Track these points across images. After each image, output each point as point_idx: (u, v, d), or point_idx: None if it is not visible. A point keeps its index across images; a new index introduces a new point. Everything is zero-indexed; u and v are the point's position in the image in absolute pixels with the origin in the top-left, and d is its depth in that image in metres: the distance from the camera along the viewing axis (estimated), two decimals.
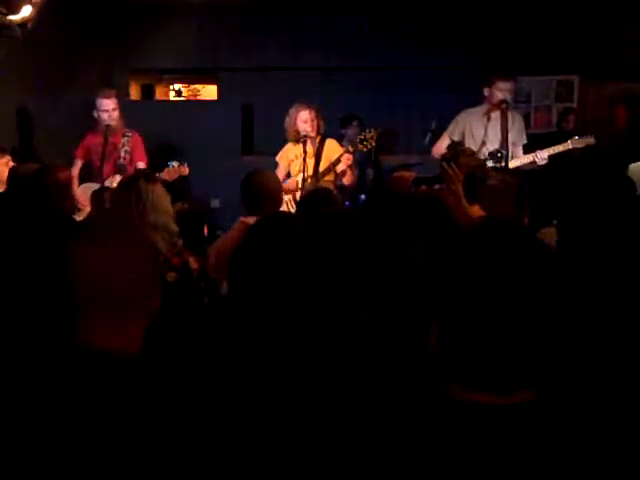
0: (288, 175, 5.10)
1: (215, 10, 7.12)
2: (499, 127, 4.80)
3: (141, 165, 5.25)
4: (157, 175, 4.35)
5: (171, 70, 8.05)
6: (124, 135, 5.26)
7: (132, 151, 5.27)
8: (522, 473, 2.19)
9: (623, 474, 2.46)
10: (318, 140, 4.98)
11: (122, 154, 5.22)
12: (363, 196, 5.60)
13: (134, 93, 7.78)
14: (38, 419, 1.63)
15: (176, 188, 4.69)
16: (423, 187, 3.84)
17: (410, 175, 4.55)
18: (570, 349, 2.56)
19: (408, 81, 7.25)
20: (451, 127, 5.05)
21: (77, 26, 6.64)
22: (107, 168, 5.17)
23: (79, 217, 4.64)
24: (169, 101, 8.84)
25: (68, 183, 3.67)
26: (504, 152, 4.66)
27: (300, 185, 4.83)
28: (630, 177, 3.17)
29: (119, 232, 1.71)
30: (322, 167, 4.93)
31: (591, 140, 4.81)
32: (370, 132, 4.84)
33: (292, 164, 5.06)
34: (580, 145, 4.81)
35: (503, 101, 4.77)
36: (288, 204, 4.97)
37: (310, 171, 4.85)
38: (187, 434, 1.87)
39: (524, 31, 6.85)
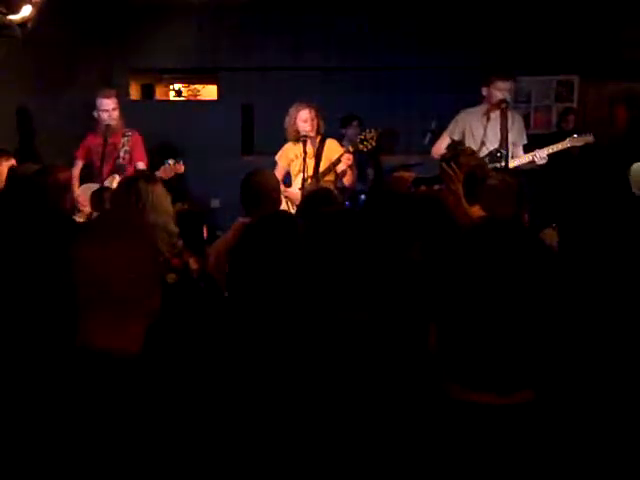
0: (288, 175, 5.10)
1: (215, 10, 7.12)
2: (499, 127, 4.79)
3: (141, 165, 5.24)
4: (155, 174, 4.36)
5: (171, 70, 8.05)
6: (124, 135, 5.25)
7: (132, 151, 5.26)
8: (522, 473, 2.19)
9: (623, 474, 2.46)
10: (318, 140, 4.98)
11: (122, 154, 5.21)
12: (363, 196, 5.60)
13: (134, 93, 7.78)
14: (38, 419, 1.63)
15: (176, 188, 4.70)
16: (423, 187, 3.84)
17: (410, 175, 4.54)
18: (570, 349, 2.56)
19: (408, 81, 7.25)
20: (451, 127, 5.05)
21: (77, 26, 6.63)
22: (107, 168, 5.17)
23: (79, 218, 4.64)
24: (169, 101, 8.85)
25: (68, 183, 3.67)
26: (504, 152, 4.65)
27: (300, 187, 4.83)
28: (627, 177, 3.17)
29: (119, 232, 1.71)
30: (322, 167, 4.92)
31: (590, 138, 4.81)
32: (370, 132, 4.83)
33: (292, 164, 5.05)
34: (579, 143, 4.80)
35: (503, 101, 4.77)
36: (288, 203, 4.96)
37: (310, 171, 4.84)
38: (187, 434, 1.87)
39: (524, 31, 6.86)
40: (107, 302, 1.59)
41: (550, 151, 4.75)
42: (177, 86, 9.17)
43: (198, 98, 9.23)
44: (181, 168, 4.84)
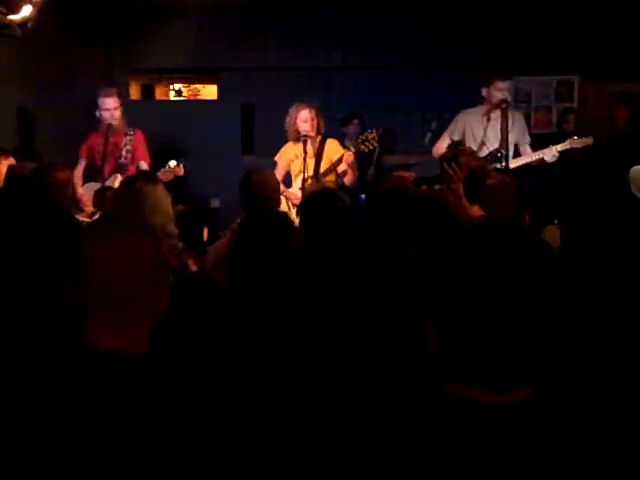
0: (288, 175, 5.10)
1: (215, 10, 7.11)
2: (499, 127, 4.79)
3: (143, 164, 5.22)
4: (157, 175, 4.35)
5: (171, 70, 8.04)
6: (126, 134, 5.23)
7: (134, 150, 5.23)
8: (520, 470, 2.19)
9: (622, 473, 2.46)
10: (319, 140, 4.97)
11: (123, 153, 5.19)
12: (363, 196, 5.60)
13: (134, 93, 7.78)
14: (44, 418, 1.63)
15: (176, 189, 4.69)
16: (424, 187, 3.84)
17: (410, 175, 4.55)
18: (569, 347, 2.56)
19: (408, 81, 7.24)
20: (451, 127, 5.05)
21: (77, 26, 6.63)
22: (109, 167, 5.16)
23: (82, 217, 4.63)
24: (169, 101, 8.84)
25: (67, 182, 3.66)
26: (504, 152, 4.65)
27: (300, 187, 4.82)
28: (627, 178, 3.17)
29: (120, 232, 1.70)
30: (323, 167, 4.92)
31: (589, 140, 4.81)
32: (372, 133, 4.83)
33: (292, 164, 5.05)
34: (578, 145, 4.80)
35: (503, 101, 4.76)
36: (288, 204, 4.96)
37: (310, 171, 4.84)
38: (191, 433, 1.87)
39: (524, 31, 6.86)
40: (109, 302, 1.59)
41: (559, 149, 4.74)
42: (177, 86, 9.17)
43: (198, 98, 9.22)
44: (181, 171, 4.83)
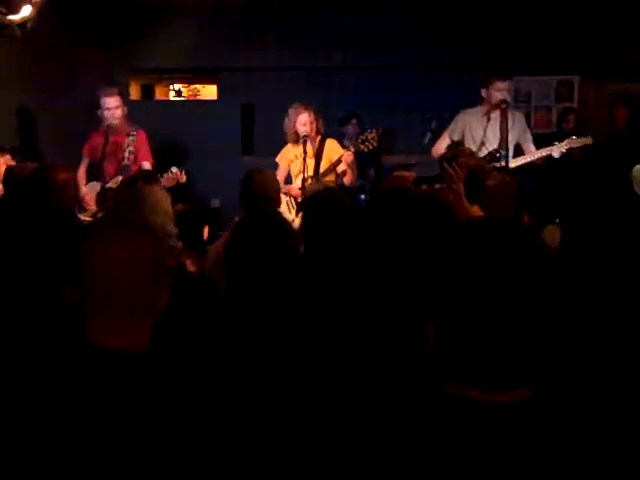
0: (288, 176, 5.10)
1: (215, 10, 7.11)
2: (499, 127, 4.80)
3: (146, 165, 5.17)
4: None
5: (171, 70, 8.04)
6: (129, 134, 5.19)
7: (137, 151, 5.19)
8: (520, 470, 2.19)
9: (622, 473, 2.46)
10: (318, 140, 4.98)
11: (126, 154, 5.15)
12: (363, 196, 5.60)
13: (134, 93, 7.78)
14: (47, 416, 1.63)
15: (177, 189, 4.70)
16: (423, 187, 3.84)
17: (410, 175, 4.55)
18: (569, 347, 2.56)
19: (408, 81, 7.24)
20: (451, 127, 5.05)
21: (77, 26, 6.63)
22: (111, 167, 5.15)
23: (85, 216, 4.64)
24: (169, 101, 8.84)
25: (68, 183, 3.66)
26: (503, 152, 4.66)
27: (300, 187, 4.83)
28: (629, 176, 3.16)
29: (120, 233, 1.71)
30: (323, 167, 4.93)
31: (588, 140, 4.81)
32: (371, 133, 4.83)
33: (292, 164, 5.05)
34: (577, 145, 4.80)
35: (503, 101, 4.77)
36: (288, 204, 4.96)
37: (310, 171, 4.85)
38: (191, 431, 1.87)
39: (524, 31, 6.85)
40: (109, 302, 1.59)
41: (565, 147, 4.73)
42: (177, 86, 9.16)
43: (198, 98, 9.22)
44: (183, 178, 4.81)
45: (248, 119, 7.43)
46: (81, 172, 5.28)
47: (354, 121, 6.64)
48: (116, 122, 5.12)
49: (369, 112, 6.70)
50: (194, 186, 6.49)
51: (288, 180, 5.08)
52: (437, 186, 3.40)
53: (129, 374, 1.64)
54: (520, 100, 7.17)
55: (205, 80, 8.68)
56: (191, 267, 3.29)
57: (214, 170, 6.51)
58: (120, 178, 4.94)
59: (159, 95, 8.55)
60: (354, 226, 2.84)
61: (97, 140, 5.22)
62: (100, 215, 4.31)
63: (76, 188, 4.20)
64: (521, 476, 2.20)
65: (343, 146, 5.19)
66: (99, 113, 5.17)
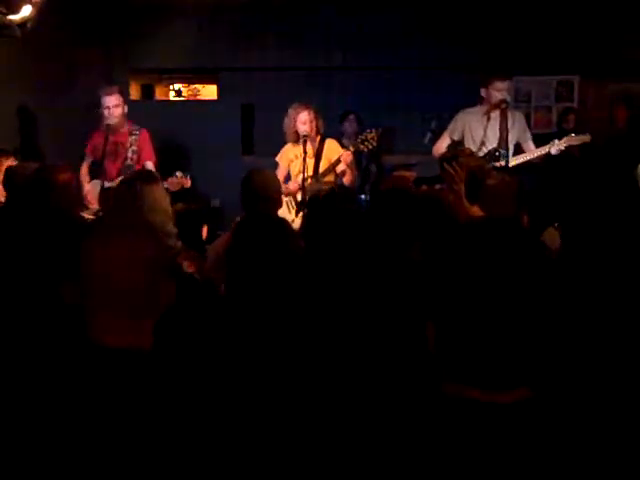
0: (288, 175, 5.10)
1: (215, 10, 7.11)
2: (498, 127, 4.80)
3: (149, 165, 5.15)
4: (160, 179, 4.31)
5: (171, 70, 8.04)
6: (131, 134, 5.17)
7: (140, 150, 5.17)
8: (520, 470, 2.19)
9: (622, 473, 2.46)
10: (318, 140, 4.99)
11: (129, 154, 5.13)
12: (363, 196, 5.60)
13: (134, 93, 7.78)
14: (53, 413, 1.64)
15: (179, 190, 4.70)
16: (424, 187, 3.84)
17: (411, 175, 4.55)
18: (570, 348, 2.56)
19: (408, 81, 7.24)
20: (451, 126, 5.05)
21: (77, 26, 6.63)
22: (111, 166, 5.14)
23: (87, 214, 4.64)
24: (169, 101, 8.84)
25: (69, 183, 3.66)
26: (502, 151, 4.66)
27: (300, 186, 4.83)
28: (633, 175, 3.16)
29: (121, 232, 1.71)
30: (322, 167, 4.93)
31: (587, 138, 4.81)
32: (371, 132, 4.84)
33: (292, 164, 5.06)
34: (576, 143, 4.80)
35: (503, 101, 4.77)
36: (288, 204, 4.97)
37: (310, 171, 4.85)
38: (192, 429, 1.88)
39: (524, 31, 6.85)
40: (109, 301, 1.59)
41: (564, 144, 4.73)
42: (177, 86, 9.17)
43: (198, 98, 9.22)
44: (188, 182, 4.80)
45: (248, 119, 7.43)
46: (84, 170, 5.29)
47: (351, 117, 6.62)
48: (115, 121, 5.11)
49: (369, 112, 6.70)
50: (194, 186, 6.48)
51: (288, 180, 5.08)
52: (437, 186, 3.40)
53: (129, 373, 1.64)
54: (520, 100, 7.17)
55: (205, 80, 8.68)
56: (189, 268, 3.28)
57: (214, 170, 6.51)
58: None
59: (159, 95, 8.55)
60: (355, 226, 2.84)
61: (98, 139, 5.20)
62: (102, 214, 4.32)
63: (78, 187, 4.19)
64: (521, 476, 2.20)
65: (342, 144, 5.19)
66: (99, 112, 5.16)
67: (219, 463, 2.16)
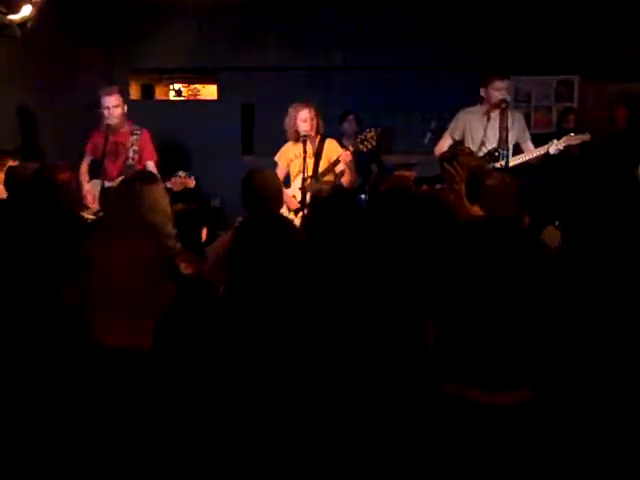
0: (287, 175, 5.10)
1: (215, 10, 7.11)
2: (498, 127, 4.80)
3: (150, 165, 5.15)
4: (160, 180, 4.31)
5: (171, 70, 8.04)
6: (132, 133, 5.17)
7: (141, 150, 5.17)
8: (520, 471, 2.19)
9: (623, 474, 2.46)
10: (318, 140, 4.99)
11: (130, 154, 5.12)
12: (363, 196, 5.60)
13: (134, 93, 7.78)
14: (54, 413, 1.64)
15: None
16: (424, 187, 3.84)
17: (411, 175, 4.55)
18: (571, 348, 2.56)
19: (408, 81, 7.24)
20: (452, 125, 5.05)
21: (77, 26, 6.63)
22: (111, 166, 5.13)
23: (87, 214, 4.63)
24: (169, 101, 8.84)
25: (69, 183, 3.66)
26: (502, 151, 4.66)
27: (298, 196, 4.83)
28: (634, 175, 3.16)
29: (122, 232, 1.71)
30: (322, 167, 4.94)
31: (586, 137, 4.81)
32: (370, 132, 4.84)
33: (291, 164, 5.06)
34: (576, 142, 4.80)
35: (503, 101, 4.77)
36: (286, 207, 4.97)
37: (310, 171, 4.85)
38: (194, 429, 1.87)
39: (524, 31, 6.85)
40: (109, 302, 1.59)
41: (563, 144, 4.73)
42: (177, 86, 9.17)
43: (198, 98, 9.22)
44: (192, 183, 4.79)
45: (248, 119, 7.43)
46: (83, 169, 5.28)
47: (350, 117, 6.62)
48: (116, 121, 5.10)
49: (369, 112, 6.70)
50: (194, 186, 6.50)
51: (287, 180, 5.08)
52: (438, 186, 3.40)
53: (130, 373, 1.64)
54: (520, 100, 7.17)
55: (205, 80, 8.68)
56: (186, 270, 3.27)
57: (214, 170, 6.51)
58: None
59: (159, 95, 8.55)
60: (357, 226, 2.84)
61: (98, 139, 5.19)
62: (102, 214, 4.32)
63: (78, 186, 4.19)
64: (521, 477, 2.20)
65: (342, 145, 5.19)
66: (99, 112, 5.16)
67: (219, 463, 2.16)
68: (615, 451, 2.46)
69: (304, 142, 4.80)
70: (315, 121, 4.91)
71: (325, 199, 2.96)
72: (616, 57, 6.86)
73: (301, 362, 2.42)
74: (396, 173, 4.92)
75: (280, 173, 4.91)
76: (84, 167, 5.27)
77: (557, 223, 3.39)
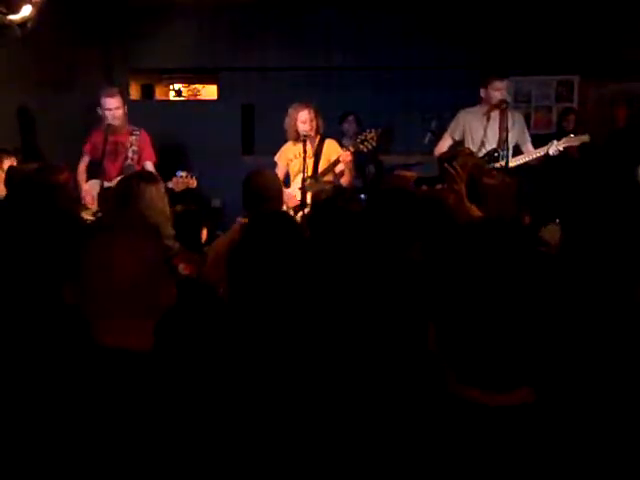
0: (287, 175, 5.11)
1: (215, 10, 7.12)
2: (498, 127, 4.81)
3: (149, 165, 5.16)
4: (165, 183, 4.30)
5: (171, 70, 8.05)
6: (131, 134, 5.17)
7: (140, 151, 5.18)
8: (520, 472, 2.19)
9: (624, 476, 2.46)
10: (317, 140, 4.99)
11: (130, 154, 5.13)
12: (363, 195, 5.61)
13: (134, 93, 7.78)
14: (53, 414, 1.63)
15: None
16: (424, 187, 3.85)
17: (411, 175, 4.56)
18: (572, 348, 2.56)
19: (408, 80, 7.25)
20: (452, 126, 5.06)
21: (77, 26, 6.64)
22: (111, 166, 5.14)
23: (86, 215, 4.63)
24: (169, 101, 8.85)
25: (67, 182, 3.66)
26: (502, 152, 4.67)
27: (298, 195, 4.84)
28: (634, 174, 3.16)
29: (121, 232, 1.71)
30: (321, 167, 4.94)
31: (586, 138, 4.82)
32: (371, 132, 4.84)
33: (291, 164, 5.06)
34: (575, 143, 4.81)
35: (503, 101, 4.78)
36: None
37: (310, 171, 4.86)
38: (195, 430, 1.88)
39: (524, 31, 6.86)
40: (110, 301, 1.59)
41: (563, 145, 4.74)
42: (177, 86, 9.18)
43: (198, 98, 9.23)
44: (194, 183, 4.77)
45: (248, 119, 7.43)
46: (81, 169, 5.26)
47: (351, 118, 6.63)
48: (117, 122, 5.10)
49: (369, 112, 6.70)
50: (195, 187, 6.50)
51: (287, 180, 5.09)
52: (438, 186, 3.41)
53: (130, 373, 1.64)
54: (520, 100, 7.17)
55: (205, 80, 8.69)
56: (185, 270, 3.27)
57: (214, 170, 6.52)
58: None
59: (159, 95, 8.56)
60: (358, 226, 2.84)
61: (98, 138, 5.19)
62: (102, 214, 4.32)
63: (76, 187, 4.20)
64: (521, 477, 2.20)
65: (342, 145, 5.20)
66: (100, 112, 5.16)
67: (220, 464, 2.16)
68: (616, 451, 2.45)
69: (304, 142, 4.81)
70: (315, 122, 4.92)
71: (328, 199, 2.96)
72: (616, 57, 6.86)
73: (303, 362, 2.42)
74: (396, 173, 4.92)
75: (280, 173, 4.92)
76: (82, 167, 5.27)
77: (557, 221, 3.39)
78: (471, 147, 4.76)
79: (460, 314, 2.33)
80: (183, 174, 4.71)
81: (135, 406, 1.56)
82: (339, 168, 4.91)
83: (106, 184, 4.85)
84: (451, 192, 2.67)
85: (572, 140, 4.80)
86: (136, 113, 5.67)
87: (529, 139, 4.99)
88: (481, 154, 4.76)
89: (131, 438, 1.56)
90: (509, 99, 4.91)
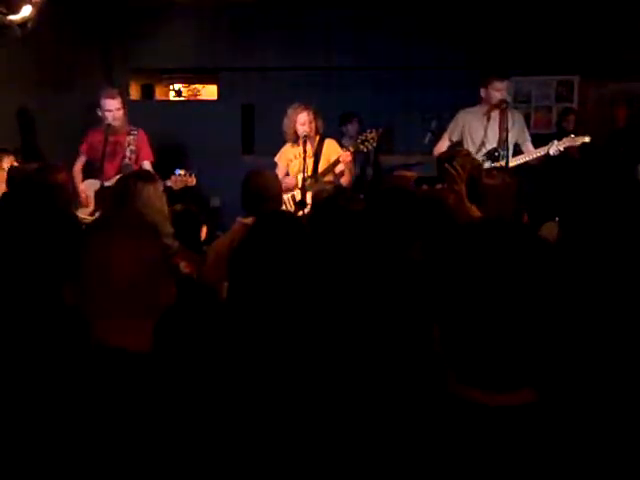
0: (287, 175, 5.11)
1: (215, 10, 7.12)
2: (498, 127, 4.81)
3: (147, 164, 5.16)
4: (163, 182, 4.29)
5: (171, 70, 8.05)
6: (129, 133, 5.18)
7: (138, 150, 5.19)
8: (521, 472, 2.19)
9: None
10: (317, 140, 4.99)
11: (128, 154, 5.14)
12: (362, 196, 5.60)
13: (134, 93, 7.78)
14: (52, 415, 1.63)
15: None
16: (424, 187, 3.85)
17: (412, 175, 4.56)
18: (573, 348, 2.56)
19: (408, 81, 7.25)
20: (451, 126, 5.06)
21: (77, 26, 6.64)
22: (110, 166, 5.14)
23: (83, 214, 4.63)
24: (169, 101, 8.85)
25: (65, 182, 3.66)
26: (502, 151, 4.67)
27: (300, 184, 4.83)
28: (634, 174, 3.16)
29: (121, 231, 1.71)
30: (321, 167, 4.94)
31: (586, 139, 4.82)
32: (371, 132, 4.84)
33: (291, 164, 5.06)
34: (575, 143, 4.81)
35: (503, 101, 4.78)
36: (287, 204, 4.97)
37: (310, 171, 4.86)
38: (196, 431, 1.88)
39: (524, 31, 6.86)
40: (109, 301, 1.59)
41: (563, 146, 4.73)
42: (177, 86, 9.18)
43: (198, 98, 9.23)
44: (193, 181, 4.77)
45: (248, 119, 7.43)
46: (77, 169, 5.25)
47: (354, 119, 6.64)
48: (117, 123, 5.10)
49: (369, 112, 6.70)
50: (194, 186, 6.50)
51: None
52: (438, 186, 3.41)
53: (130, 373, 1.64)
54: (520, 100, 7.17)
55: (205, 80, 8.69)
56: (185, 268, 3.27)
57: (214, 170, 6.52)
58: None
59: (159, 95, 8.56)
60: (359, 226, 2.84)
61: (96, 138, 5.19)
62: (99, 213, 4.32)
63: (72, 184, 4.19)
64: (522, 478, 2.19)
65: (342, 145, 5.20)
66: (99, 113, 5.16)
67: (220, 464, 2.16)
68: (617, 452, 2.45)
69: (304, 142, 4.81)
70: (314, 123, 4.91)
71: (329, 198, 2.96)
72: (616, 57, 6.86)
73: (305, 362, 2.42)
74: (396, 173, 4.92)
75: (280, 173, 4.92)
76: (78, 167, 5.25)
77: (556, 219, 3.39)
78: (471, 147, 4.76)
79: (460, 314, 2.33)
80: (182, 172, 4.71)
81: (134, 406, 1.56)
82: (339, 168, 4.91)
83: (105, 184, 4.86)
84: (451, 192, 2.67)
85: (573, 140, 4.80)
86: (136, 113, 5.67)
87: (529, 139, 4.99)
88: (481, 154, 4.76)
89: (130, 438, 1.56)
90: (509, 99, 4.90)
